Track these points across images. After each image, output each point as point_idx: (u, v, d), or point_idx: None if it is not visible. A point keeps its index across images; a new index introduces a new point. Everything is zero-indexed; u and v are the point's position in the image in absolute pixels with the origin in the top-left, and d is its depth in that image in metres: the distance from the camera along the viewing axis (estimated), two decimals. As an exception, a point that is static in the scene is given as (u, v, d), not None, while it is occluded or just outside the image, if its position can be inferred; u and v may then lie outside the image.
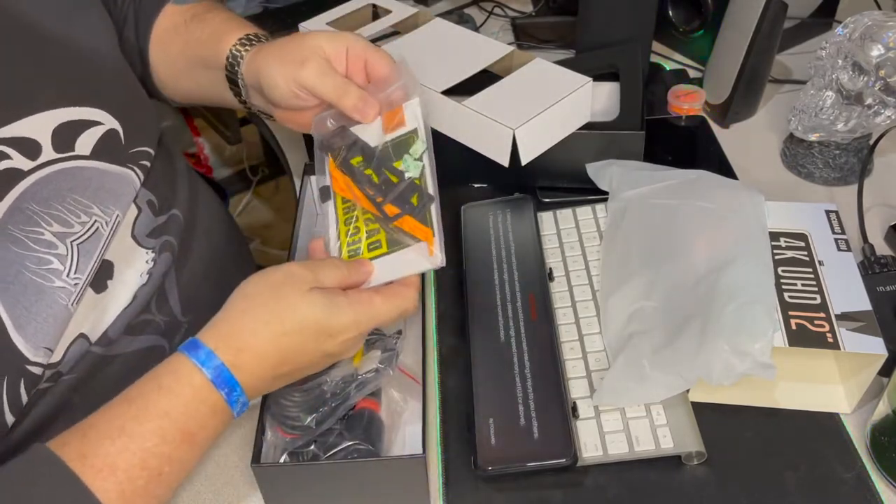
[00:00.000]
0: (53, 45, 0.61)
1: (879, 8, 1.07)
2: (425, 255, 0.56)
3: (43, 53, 0.60)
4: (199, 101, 0.81)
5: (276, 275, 0.53)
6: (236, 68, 0.69)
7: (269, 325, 0.52)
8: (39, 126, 0.57)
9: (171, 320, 0.68)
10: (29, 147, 0.56)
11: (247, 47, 0.69)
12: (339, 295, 0.54)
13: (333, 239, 0.60)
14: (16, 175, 0.55)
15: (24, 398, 0.55)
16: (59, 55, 0.61)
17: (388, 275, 0.57)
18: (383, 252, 0.57)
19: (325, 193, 0.63)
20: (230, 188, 1.98)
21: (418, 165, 0.59)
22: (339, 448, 0.57)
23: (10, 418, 0.55)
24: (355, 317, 0.53)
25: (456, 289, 0.75)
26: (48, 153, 0.57)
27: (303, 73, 0.62)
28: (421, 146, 0.60)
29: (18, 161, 0.55)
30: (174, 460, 0.50)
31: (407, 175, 0.59)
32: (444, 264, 0.56)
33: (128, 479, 0.48)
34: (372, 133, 0.63)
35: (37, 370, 0.55)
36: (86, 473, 0.47)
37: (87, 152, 0.60)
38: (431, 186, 0.58)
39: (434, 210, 0.57)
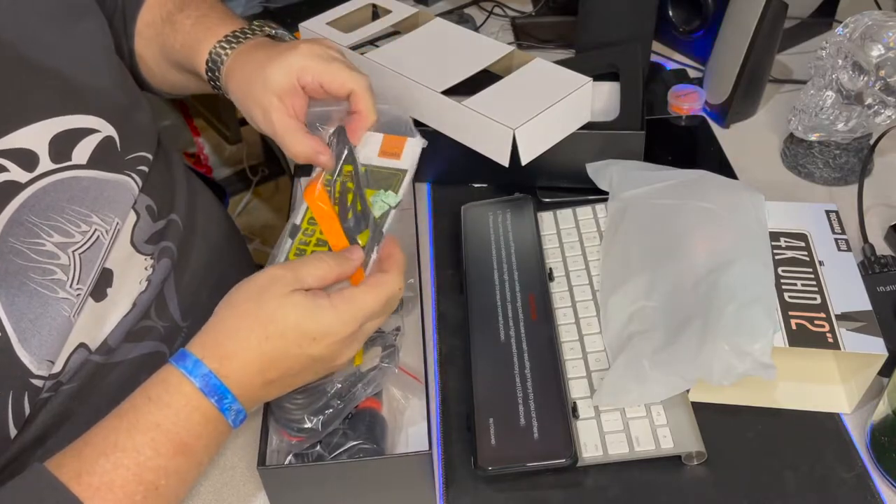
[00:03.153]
0: (48, 55, 0.60)
1: (879, 8, 1.07)
2: None
3: (37, 63, 0.59)
4: (191, 93, 0.79)
5: (259, 280, 0.53)
6: (218, 83, 0.68)
7: (252, 331, 0.51)
8: (36, 136, 0.57)
9: (171, 325, 0.68)
10: (26, 158, 0.56)
11: (222, 56, 0.66)
12: (321, 297, 0.52)
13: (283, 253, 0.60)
14: (13, 188, 0.55)
15: (27, 410, 0.55)
16: (54, 64, 0.60)
17: None
18: None
19: (293, 231, 0.60)
20: (230, 188, 1.98)
21: (384, 207, 0.59)
22: (343, 448, 0.57)
23: (13, 431, 0.55)
24: (338, 316, 0.52)
25: (456, 289, 0.75)
26: (45, 164, 0.57)
27: (261, 123, 0.63)
28: (398, 194, 0.60)
29: (16, 173, 0.55)
30: (170, 473, 0.50)
31: (371, 213, 0.59)
32: None
33: (125, 496, 0.48)
34: (367, 148, 0.63)
35: (39, 382, 0.55)
36: (84, 493, 0.47)
37: (84, 161, 0.60)
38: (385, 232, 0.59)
39: (374, 255, 0.57)
